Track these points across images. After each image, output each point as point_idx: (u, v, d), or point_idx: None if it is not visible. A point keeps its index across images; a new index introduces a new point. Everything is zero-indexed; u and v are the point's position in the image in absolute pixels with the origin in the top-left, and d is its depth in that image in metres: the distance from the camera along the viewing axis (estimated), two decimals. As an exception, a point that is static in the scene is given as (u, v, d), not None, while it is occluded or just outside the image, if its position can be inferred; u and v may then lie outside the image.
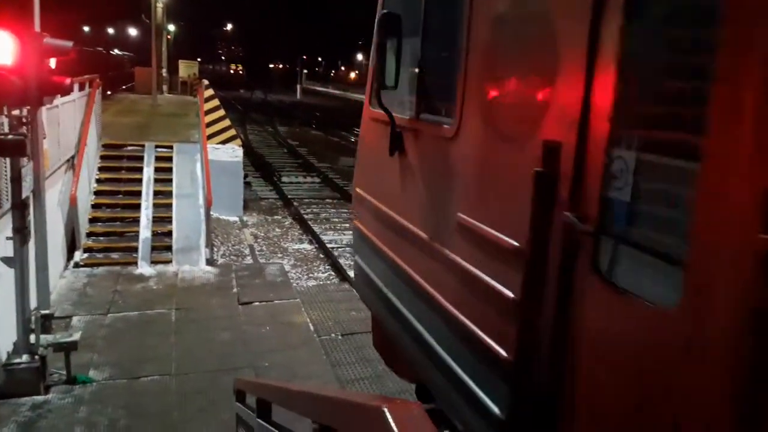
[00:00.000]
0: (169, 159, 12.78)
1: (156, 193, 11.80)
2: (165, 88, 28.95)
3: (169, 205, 11.60)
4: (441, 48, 3.25)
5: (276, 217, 15.59)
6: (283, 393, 3.44)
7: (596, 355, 1.89)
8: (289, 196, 17.50)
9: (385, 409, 1.72)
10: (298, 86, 72.86)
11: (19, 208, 6.19)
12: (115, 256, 10.46)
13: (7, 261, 6.21)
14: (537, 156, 2.05)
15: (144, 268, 10.03)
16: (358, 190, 4.46)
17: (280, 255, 12.48)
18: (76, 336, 6.57)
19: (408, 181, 3.42)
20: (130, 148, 13.06)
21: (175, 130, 15.27)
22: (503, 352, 2.28)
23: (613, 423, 1.83)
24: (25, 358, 6.20)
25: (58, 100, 9.46)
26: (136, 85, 28.21)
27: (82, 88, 12.52)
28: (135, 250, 10.47)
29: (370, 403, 1.89)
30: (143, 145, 12.97)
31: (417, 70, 3.35)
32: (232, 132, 15.40)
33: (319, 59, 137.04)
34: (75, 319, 8.08)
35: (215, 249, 11.72)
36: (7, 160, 6.31)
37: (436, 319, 2.93)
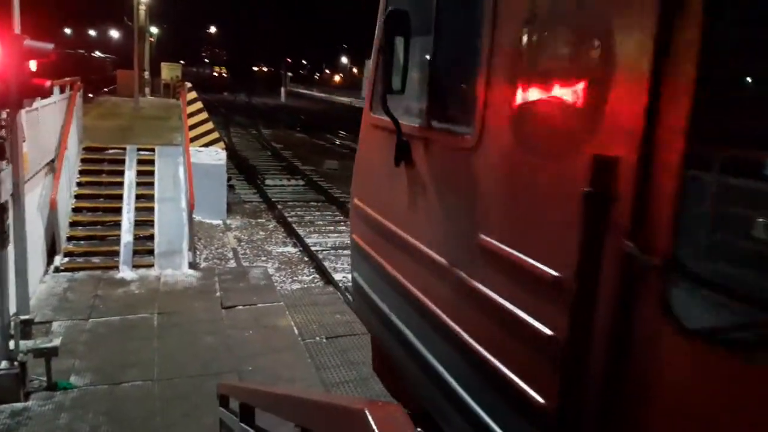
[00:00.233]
0: (152, 162, 12.68)
1: (138, 197, 11.70)
2: (147, 90, 28.70)
3: (151, 209, 11.50)
4: (457, 48, 2.93)
5: (260, 220, 15.52)
6: (265, 397, 3.42)
7: (664, 413, 1.61)
8: (273, 199, 17.44)
9: (367, 412, 1.73)
10: (283, 89, 72.62)
11: (-2, 212, 6.10)
12: (96, 260, 10.34)
13: (-15, 266, 6.11)
14: (583, 173, 1.77)
15: (126, 273, 9.93)
16: (356, 201, 4.13)
17: (263, 258, 12.43)
18: (57, 341, 6.48)
19: (416, 195, 3.10)
20: (111, 151, 12.93)
21: (157, 133, 15.15)
22: (538, 398, 2.01)
23: None
24: (4, 364, 6.10)
25: (38, 102, 9.35)
26: (118, 88, 27.94)
27: (62, 90, 12.38)
28: (116, 254, 10.37)
29: (352, 406, 1.89)
30: (125, 149, 12.85)
31: (428, 72, 3.02)
32: (216, 135, 15.32)
33: (304, 62, 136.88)
34: (55, 324, 7.97)
35: (198, 253, 11.64)
36: (-14, 163, 6.21)
37: (451, 350, 2.63)
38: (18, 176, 6.56)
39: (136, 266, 10.17)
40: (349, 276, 11.59)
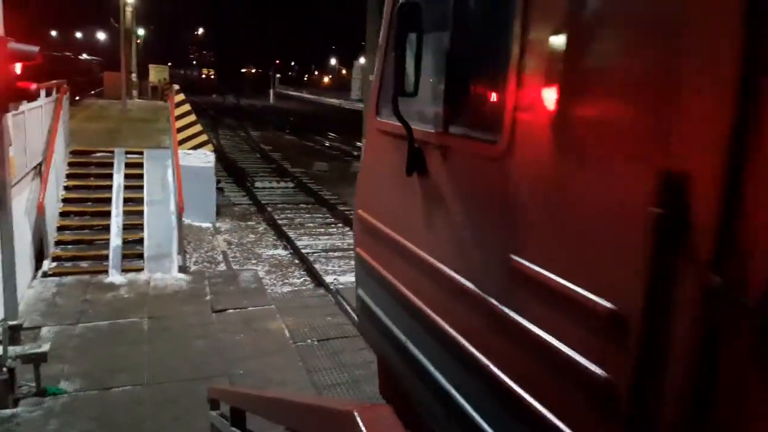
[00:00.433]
0: (140, 165, 12.61)
1: (126, 200, 11.63)
2: (135, 93, 28.55)
3: (140, 212, 11.44)
4: (480, 44, 2.64)
5: (249, 222, 15.48)
6: (256, 400, 3.43)
7: None
8: (262, 202, 17.40)
9: (356, 414, 1.74)
10: (271, 91, 72.52)
11: (-16, 217, 6.06)
12: (84, 264, 10.27)
13: (-28, 272, 6.07)
14: (651, 189, 1.52)
15: (115, 277, 9.87)
16: (361, 212, 3.82)
17: (254, 261, 12.40)
18: (46, 347, 6.43)
19: (432, 208, 2.81)
20: (99, 154, 12.85)
21: (145, 135, 15.07)
22: None
23: None
24: (-8, 370, 6.06)
25: (24, 106, 9.28)
26: (105, 90, 27.77)
27: (49, 93, 12.29)
28: (105, 258, 10.30)
29: (341, 408, 1.90)
30: (113, 152, 12.78)
31: (445, 72, 2.71)
32: (204, 137, 15.28)
33: (292, 63, 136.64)
34: (44, 329, 7.92)
35: (188, 256, 11.59)
36: (-28, 168, 6.17)
37: (474, 381, 2.37)
38: (4, 181, 6.51)
39: (125, 270, 10.11)
40: (340, 279, 11.67)
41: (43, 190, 10.01)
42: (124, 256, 10.43)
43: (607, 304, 1.67)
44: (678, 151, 1.50)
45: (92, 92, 29.43)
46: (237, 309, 8.97)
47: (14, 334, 6.40)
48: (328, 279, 11.19)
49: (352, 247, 14.45)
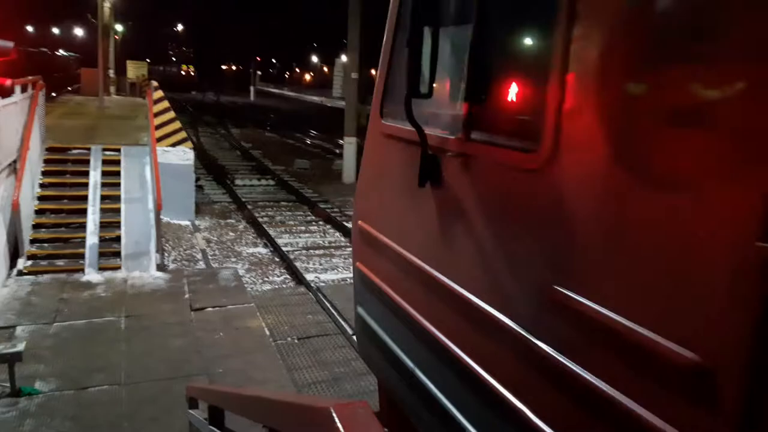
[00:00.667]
0: (117, 162, 12.46)
1: (103, 198, 11.48)
2: (113, 89, 28.14)
3: (118, 210, 11.31)
4: (510, 38, 2.36)
5: (229, 220, 15.38)
6: (234, 398, 3.41)
7: None
8: (242, 199, 17.30)
9: (332, 410, 1.74)
10: (252, 88, 72.02)
11: (-44, 215, 5.95)
12: (60, 263, 10.12)
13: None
14: (748, 219, 1.27)
15: (91, 275, 9.74)
16: (362, 224, 3.51)
17: (233, 259, 12.33)
18: (21, 346, 6.34)
19: (449, 225, 2.52)
20: (75, 151, 12.67)
21: (122, 132, 14.88)
22: None
23: None
24: (-36, 371, 5.96)
25: (-2, 102, 9.12)
26: (82, 87, 27.34)
27: (24, 89, 12.08)
28: (82, 256, 10.17)
29: (317, 405, 1.90)
30: (89, 149, 12.61)
31: (467, 70, 2.41)
32: (183, 134, 15.11)
33: (273, 60, 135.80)
34: (19, 329, 7.79)
35: (166, 254, 11.49)
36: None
37: (502, 423, 2.09)
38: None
39: (102, 269, 9.99)
40: (321, 276, 11.66)
41: (18, 188, 9.85)
42: (101, 254, 10.31)
43: (688, 354, 1.40)
44: None
45: (69, 89, 28.96)
46: (216, 307, 8.92)
47: (-13, 334, 6.30)
48: (309, 277, 11.17)
49: (332, 244, 14.50)
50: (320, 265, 12.16)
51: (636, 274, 1.57)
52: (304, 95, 78.96)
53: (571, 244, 1.81)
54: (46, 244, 10.52)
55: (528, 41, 2.27)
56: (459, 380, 2.37)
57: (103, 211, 11.20)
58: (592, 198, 1.75)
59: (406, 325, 2.85)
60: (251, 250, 13.03)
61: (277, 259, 12.38)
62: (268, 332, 8.29)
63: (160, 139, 13.91)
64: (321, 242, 13.80)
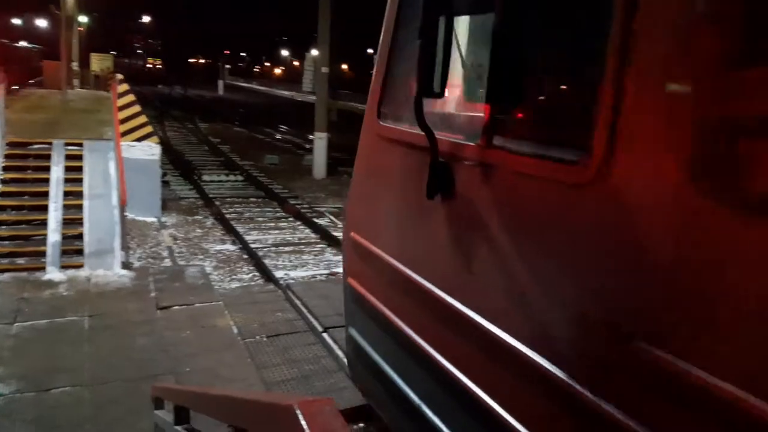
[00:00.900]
0: (80, 157, 12.17)
1: (66, 194, 11.20)
2: (76, 82, 27.47)
3: (80, 207, 11.04)
4: (541, 26, 2.02)
5: (196, 217, 15.18)
6: (199, 398, 3.37)
7: None
8: (210, 195, 17.09)
9: (296, 407, 1.73)
10: (220, 82, 71.21)
11: None
12: (21, 261, 9.86)
13: None
14: None
15: (53, 274, 9.50)
16: (354, 236, 3.20)
17: (201, 257, 12.17)
18: (-22, 348, 6.16)
19: (466, 244, 2.21)
20: (37, 146, 12.34)
21: (86, 126, 14.53)
22: None
23: None
24: None
25: (-46, 95, 8.82)
26: (44, 80, 26.64)
27: (-19, 82, 11.72)
28: (43, 254, 9.90)
29: (281, 402, 1.88)
30: (51, 143, 12.29)
31: (488, 65, 2.08)
32: (149, 129, 14.86)
33: (243, 54, 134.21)
34: (-24, 330, 7.56)
35: (131, 252, 11.28)
36: None
37: None
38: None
39: (64, 267, 9.75)
40: (291, 273, 11.57)
41: (-24, 184, 9.55)
42: (64, 252, 10.06)
43: None
44: None
45: (31, 82, 28.18)
46: (183, 306, 8.79)
47: (-57, 335, 6.09)
48: (278, 274, 11.09)
49: (302, 241, 14.41)
50: (290, 262, 12.09)
51: (735, 326, 1.23)
52: (273, 89, 78.25)
53: (639, 281, 1.46)
54: (6, 242, 10.24)
55: (571, 28, 1.87)
56: (478, 423, 2.07)
57: (65, 207, 10.93)
58: (663, 225, 1.40)
59: (410, 354, 2.53)
60: (219, 247, 12.88)
61: (245, 257, 12.26)
62: (236, 330, 8.20)
63: (125, 134, 13.65)
64: (291, 239, 13.71)
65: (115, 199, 11.20)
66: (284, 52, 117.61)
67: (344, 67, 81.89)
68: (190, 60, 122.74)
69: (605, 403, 1.53)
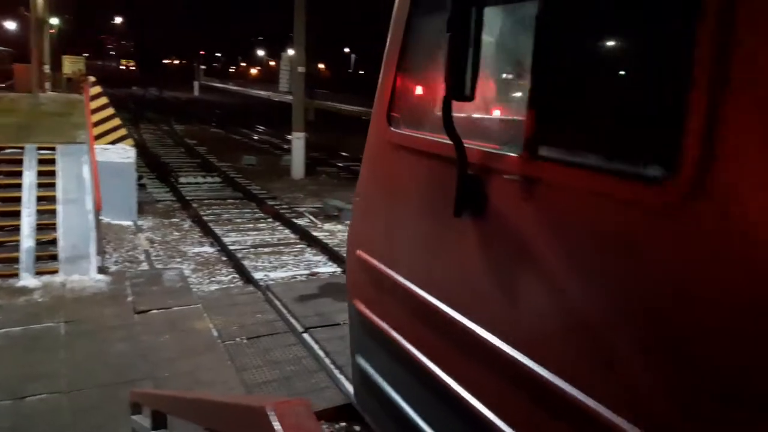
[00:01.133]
0: (53, 162, 11.99)
1: (39, 199, 11.03)
2: (48, 85, 27.00)
3: (54, 212, 10.88)
4: (602, 15, 1.65)
5: (174, 219, 15.04)
6: (175, 402, 3.36)
7: None
8: (187, 198, 16.94)
9: (269, 408, 1.75)
10: (196, 83, 70.50)
11: None
12: (-6, 268, 9.69)
13: None
14: None
15: (27, 280, 9.36)
16: (360, 254, 2.90)
17: (179, 260, 12.07)
18: (-50, 358, 6.04)
19: (502, 270, 1.92)
20: (8, 150, 12.12)
21: (58, 130, 14.29)
22: None
23: None
24: None
25: None
26: (15, 83, 26.12)
27: (-52, 86, 11.48)
28: (16, 260, 9.74)
29: (255, 404, 1.90)
30: (23, 148, 12.09)
31: (532, 65, 1.78)
32: (124, 131, 14.68)
33: (218, 55, 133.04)
34: (-52, 339, 7.42)
35: (107, 256, 11.16)
36: None
37: None
38: None
39: (39, 273, 9.60)
40: (270, 275, 11.53)
41: (-55, 190, 9.36)
42: (38, 258, 9.91)
43: None
44: None
45: (2, 85, 27.65)
46: (161, 309, 8.71)
47: None
48: (258, 276, 11.05)
49: (281, 242, 14.37)
50: (269, 263, 12.04)
51: None
52: (249, 90, 77.74)
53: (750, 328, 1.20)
54: (-23, 249, 10.05)
55: (646, 10, 1.54)
56: None
57: (39, 212, 10.77)
58: None
59: (427, 385, 2.26)
60: (197, 249, 12.78)
61: (224, 259, 12.19)
62: (216, 333, 8.16)
63: (98, 137, 13.48)
64: (270, 240, 13.65)
65: (89, 204, 11.05)
66: (260, 52, 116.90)
67: (321, 66, 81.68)
68: (164, 61, 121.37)
69: None
